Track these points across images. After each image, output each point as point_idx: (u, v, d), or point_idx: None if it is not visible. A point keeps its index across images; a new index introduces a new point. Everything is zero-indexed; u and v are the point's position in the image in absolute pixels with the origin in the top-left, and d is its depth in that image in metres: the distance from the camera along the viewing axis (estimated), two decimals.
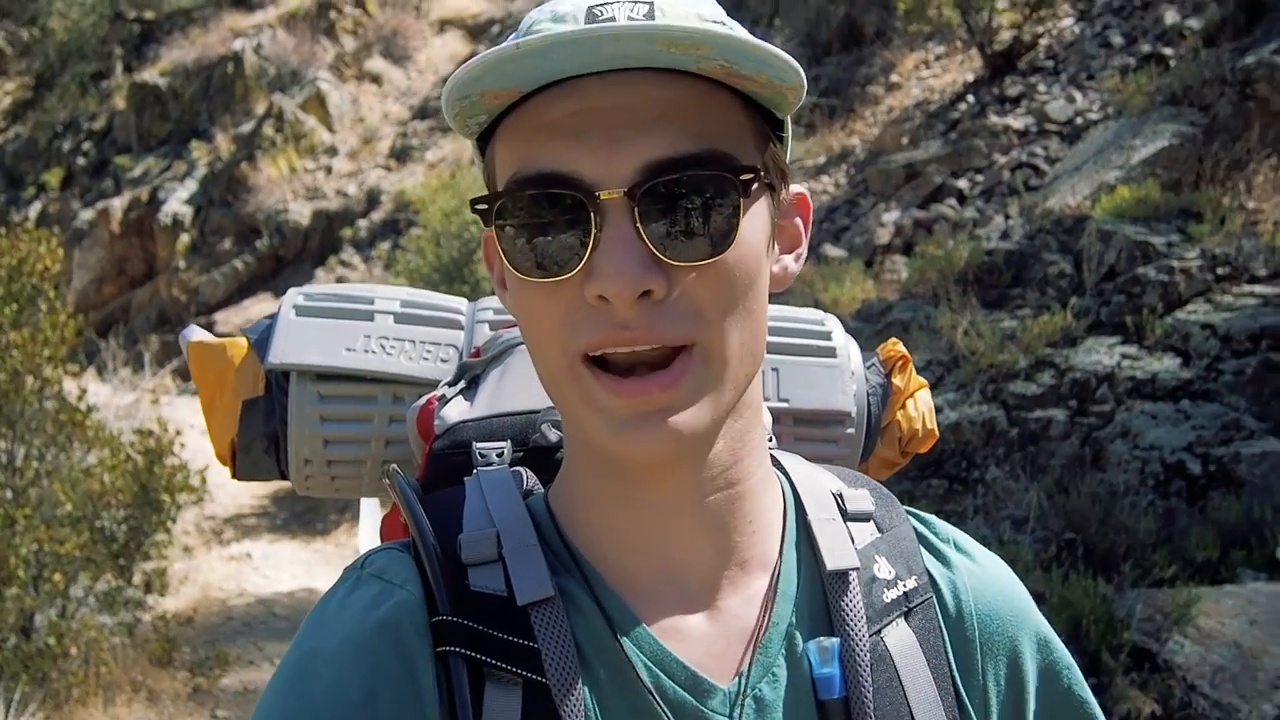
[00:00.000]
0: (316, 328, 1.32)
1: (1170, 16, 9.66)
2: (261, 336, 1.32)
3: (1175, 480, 5.31)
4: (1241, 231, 6.58)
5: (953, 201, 9.08)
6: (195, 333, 1.36)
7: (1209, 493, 5.18)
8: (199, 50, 19.83)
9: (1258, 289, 6.19)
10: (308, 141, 17.15)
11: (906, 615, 0.93)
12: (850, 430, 1.31)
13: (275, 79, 18.41)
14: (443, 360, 1.32)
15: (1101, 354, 6.14)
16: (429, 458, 1.12)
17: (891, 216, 9.12)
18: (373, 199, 15.78)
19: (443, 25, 18.94)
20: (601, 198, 0.80)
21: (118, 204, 17.81)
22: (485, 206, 0.85)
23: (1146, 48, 9.52)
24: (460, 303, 1.39)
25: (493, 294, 1.40)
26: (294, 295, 1.35)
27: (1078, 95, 9.60)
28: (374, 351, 1.31)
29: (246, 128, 17.69)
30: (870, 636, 0.90)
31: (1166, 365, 5.92)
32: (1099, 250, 6.86)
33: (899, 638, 0.92)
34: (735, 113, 0.85)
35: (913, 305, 7.34)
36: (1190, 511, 5.18)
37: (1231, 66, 7.87)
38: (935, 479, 5.98)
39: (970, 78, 10.94)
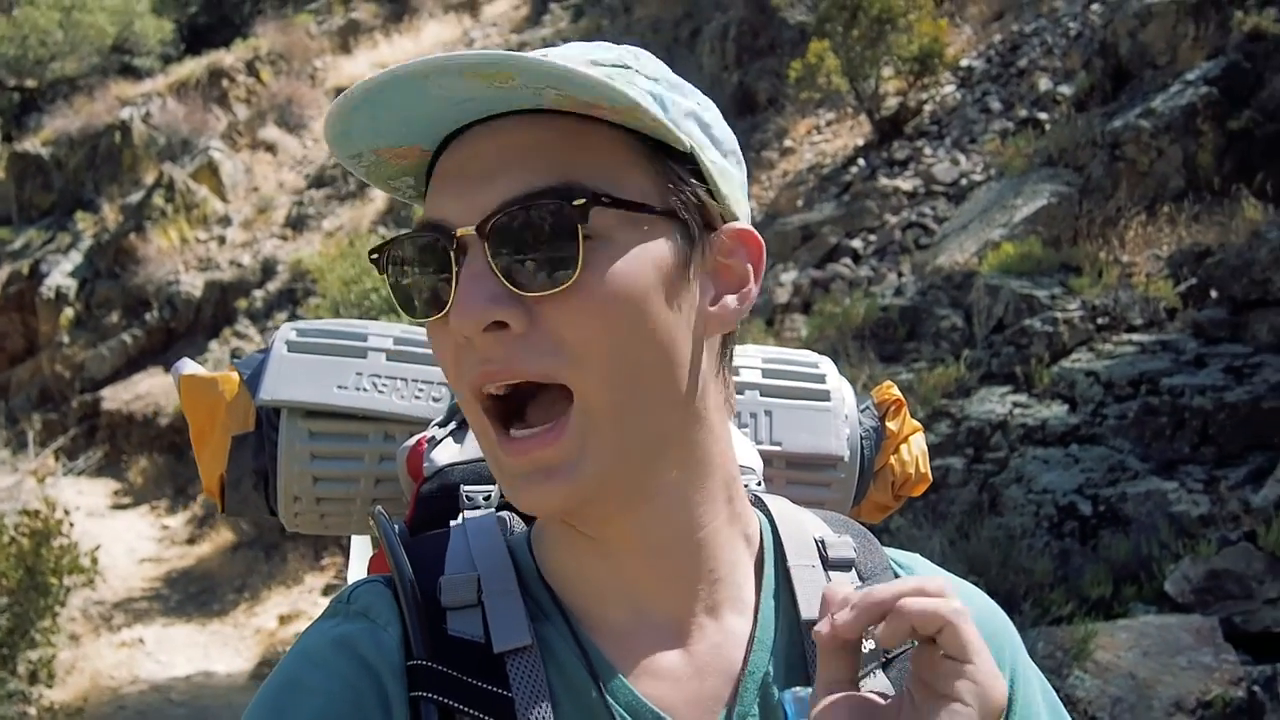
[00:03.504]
0: (308, 364, 1.32)
1: (1044, 83, 10.24)
2: (254, 372, 1.32)
3: (1068, 521, 5.58)
4: (1118, 283, 6.99)
5: (848, 261, 9.44)
6: (188, 366, 1.36)
7: (1100, 532, 5.45)
8: (84, 119, 19.48)
9: (1135, 337, 6.58)
10: (200, 211, 16.94)
11: (884, 666, 0.92)
12: (843, 474, 1.31)
13: (165, 148, 18.18)
14: (434, 399, 1.32)
15: (994, 403, 6.45)
16: (417, 499, 1.13)
17: (790, 276, 9.43)
18: (268, 269, 15.59)
19: (338, 93, 18.78)
20: (458, 235, 0.83)
21: None
22: (377, 256, 0.89)
23: (1023, 112, 10.06)
24: None
25: None
26: (287, 330, 1.36)
27: (961, 158, 10.09)
28: (366, 389, 1.32)
29: (135, 198, 17.39)
30: None
31: (1055, 412, 6.24)
32: (987, 304, 7.22)
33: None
34: (614, 148, 0.85)
35: None
36: (1083, 550, 5.44)
37: (1101, 130, 8.39)
38: None
39: (860, 142, 11.40)
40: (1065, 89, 9.84)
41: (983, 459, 6.17)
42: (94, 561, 6.74)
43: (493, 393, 0.84)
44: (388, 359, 1.34)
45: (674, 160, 0.87)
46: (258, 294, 15.12)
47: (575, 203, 0.81)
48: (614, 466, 0.85)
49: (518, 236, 0.82)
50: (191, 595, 10.60)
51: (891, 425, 1.37)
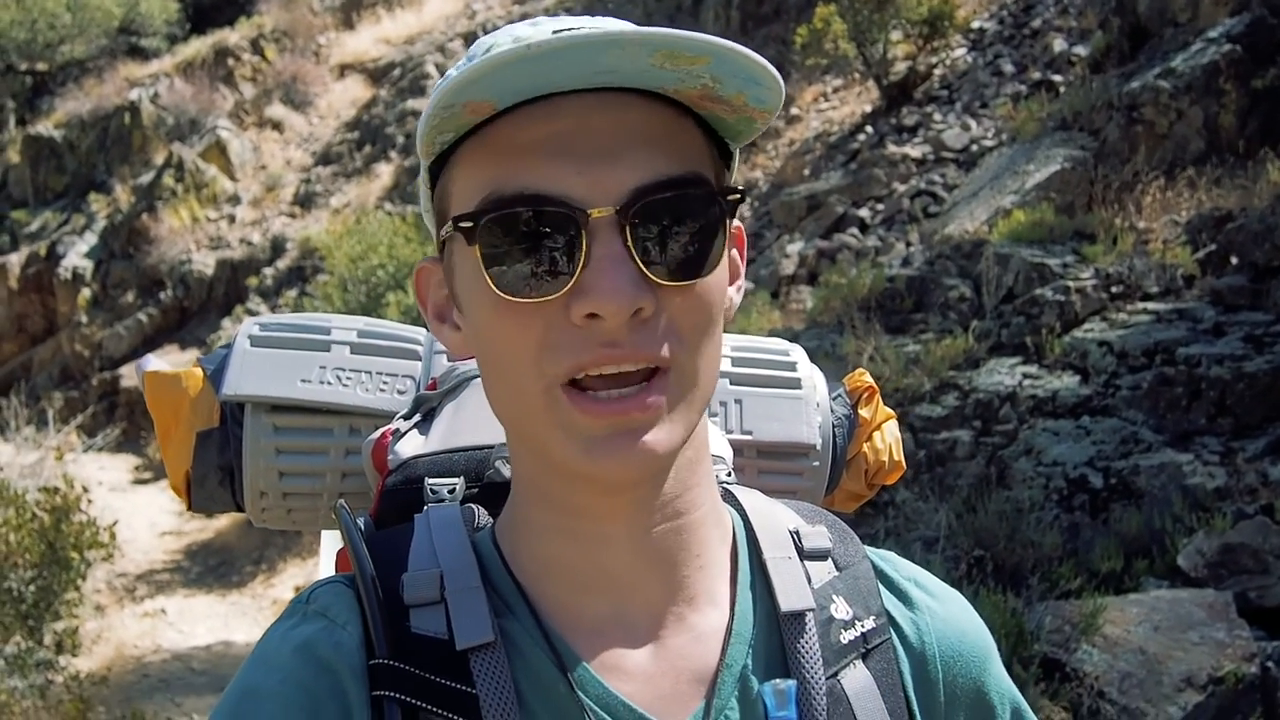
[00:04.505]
0: (272, 358, 1.31)
1: (1058, 44, 10.00)
2: (217, 367, 1.31)
3: (1078, 494, 5.44)
4: (1133, 251, 6.80)
5: (855, 230, 9.26)
6: (151, 362, 1.36)
7: (1110, 505, 5.32)
8: (94, 101, 19.56)
9: (1150, 305, 6.40)
10: (209, 190, 16.95)
11: (864, 657, 0.92)
12: (815, 463, 1.30)
13: (174, 128, 18.20)
14: (400, 391, 1.31)
15: (1003, 374, 6.29)
16: (382, 493, 1.11)
17: (796, 247, 9.27)
18: (278, 247, 15.63)
19: (343, 70, 18.90)
20: (592, 216, 0.79)
21: (15, 260, 17.45)
22: (469, 225, 0.83)
23: (1036, 75, 9.84)
24: (418, 333, 1.37)
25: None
26: (250, 325, 1.34)
27: (972, 123, 9.88)
28: (330, 383, 1.30)
29: (146, 178, 17.45)
30: (827, 679, 0.88)
31: (1066, 383, 6.08)
32: (997, 273, 7.05)
33: (856, 680, 0.90)
34: (700, 139, 0.86)
35: (819, 333, 7.45)
36: (1094, 524, 5.31)
37: (1118, 91, 8.17)
38: None
39: (868, 109, 11.20)
40: (1080, 50, 9.60)
41: (991, 431, 6.03)
42: (112, 536, 6.86)
43: (600, 375, 0.82)
44: (352, 352, 1.33)
45: (721, 155, 0.90)
46: (268, 271, 15.15)
47: (730, 197, 0.85)
48: (687, 436, 0.86)
49: (656, 223, 0.81)
50: (211, 567, 10.81)
51: (864, 413, 1.35)
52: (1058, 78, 9.52)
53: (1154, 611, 4.61)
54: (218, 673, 8.05)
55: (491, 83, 0.78)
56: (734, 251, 0.95)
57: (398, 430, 1.16)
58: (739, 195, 0.86)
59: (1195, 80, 7.61)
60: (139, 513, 11.88)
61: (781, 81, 0.82)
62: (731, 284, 0.94)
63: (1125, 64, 8.78)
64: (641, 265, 0.80)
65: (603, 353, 0.80)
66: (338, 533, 1.49)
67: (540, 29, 0.85)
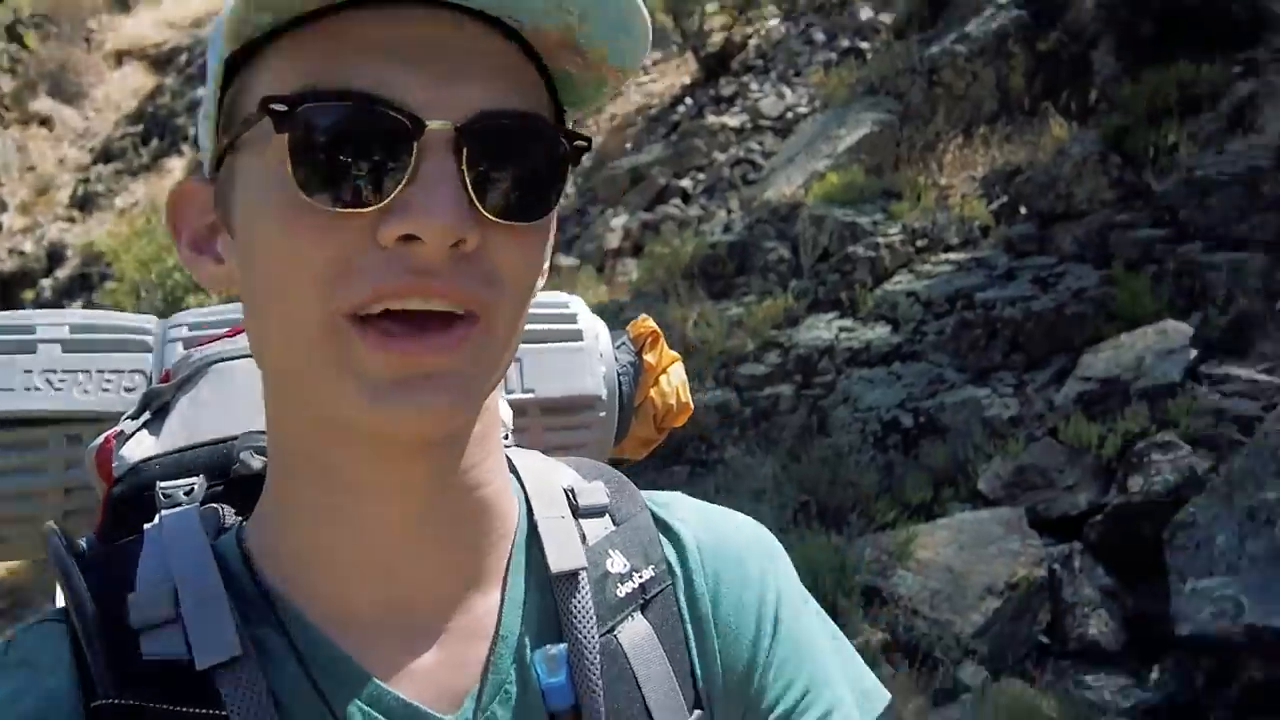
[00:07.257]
0: None
1: (865, 12, 11.09)
2: None
3: (892, 434, 6.33)
4: (936, 206, 7.82)
5: (677, 201, 10.12)
6: None
7: (920, 442, 6.22)
8: None
9: (952, 256, 7.41)
10: None
11: (644, 608, 0.93)
12: (602, 414, 1.33)
13: None
14: (127, 389, 1.25)
15: (821, 329, 7.19)
16: (107, 505, 1.04)
17: (620, 221, 10.05)
18: (56, 255, 15.41)
19: (120, 57, 18.65)
20: (430, 127, 0.75)
21: None
22: (284, 109, 0.75)
23: (845, 43, 10.90)
24: (148, 320, 1.32)
25: (192, 308, 1.42)
26: None
27: (787, 91, 10.86)
28: (38, 388, 1.23)
29: None
30: (601, 636, 0.89)
31: (878, 333, 7.00)
32: (813, 234, 7.97)
33: (634, 633, 0.92)
34: (545, 91, 0.84)
35: (644, 303, 8.23)
36: (906, 460, 6.19)
37: (920, 56, 9.25)
38: (677, 465, 6.84)
39: (686, 80, 12.10)
40: (885, 17, 10.68)
41: (811, 384, 6.89)
42: None
43: (403, 309, 0.76)
44: (64, 350, 1.26)
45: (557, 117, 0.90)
46: (45, 283, 14.94)
47: (577, 143, 0.83)
48: (483, 400, 0.84)
49: (496, 152, 0.77)
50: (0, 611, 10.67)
51: (649, 358, 1.40)
52: (865, 45, 10.57)
53: (959, 533, 5.44)
54: None
55: None
56: None
57: (122, 432, 1.10)
58: (586, 144, 0.84)
59: (988, 44, 8.74)
60: None
61: (651, 36, 0.82)
62: None
63: (925, 30, 9.88)
64: (472, 193, 0.76)
65: (412, 281, 0.75)
66: None
67: None
